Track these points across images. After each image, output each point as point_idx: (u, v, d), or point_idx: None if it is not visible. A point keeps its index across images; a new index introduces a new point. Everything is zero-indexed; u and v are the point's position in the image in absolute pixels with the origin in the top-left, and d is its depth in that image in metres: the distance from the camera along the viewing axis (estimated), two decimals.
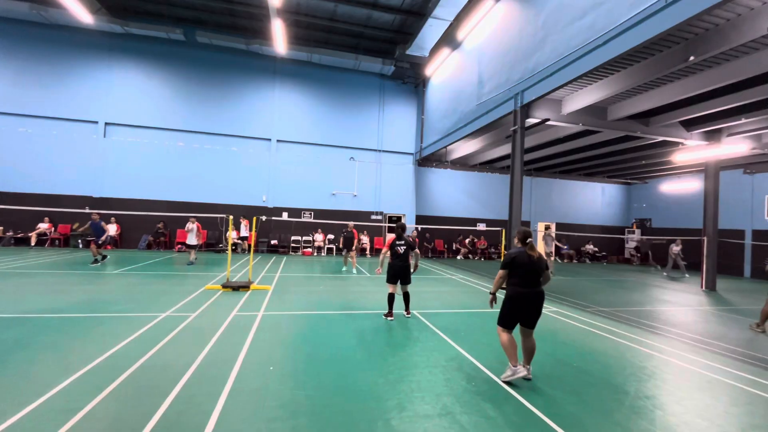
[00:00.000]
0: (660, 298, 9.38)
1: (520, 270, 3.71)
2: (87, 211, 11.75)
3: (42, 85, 14.50)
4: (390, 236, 5.97)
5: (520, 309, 3.70)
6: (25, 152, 14.28)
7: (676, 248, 14.26)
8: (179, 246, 14.97)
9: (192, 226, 11.10)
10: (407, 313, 6.17)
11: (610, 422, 3.04)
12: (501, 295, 3.95)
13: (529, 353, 3.83)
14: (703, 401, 3.52)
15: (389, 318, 5.92)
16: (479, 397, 3.35)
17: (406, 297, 6.16)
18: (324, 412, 2.97)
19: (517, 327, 3.80)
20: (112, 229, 14.49)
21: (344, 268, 11.60)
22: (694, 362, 4.61)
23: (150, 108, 15.45)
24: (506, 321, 3.75)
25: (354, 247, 11.60)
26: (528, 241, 3.82)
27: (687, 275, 14.31)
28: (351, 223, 11.93)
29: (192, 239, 11.13)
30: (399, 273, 5.92)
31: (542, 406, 3.23)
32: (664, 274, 14.63)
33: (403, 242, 5.95)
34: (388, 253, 6.01)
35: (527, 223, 19.79)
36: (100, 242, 10.31)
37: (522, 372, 3.65)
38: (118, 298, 6.48)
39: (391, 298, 5.97)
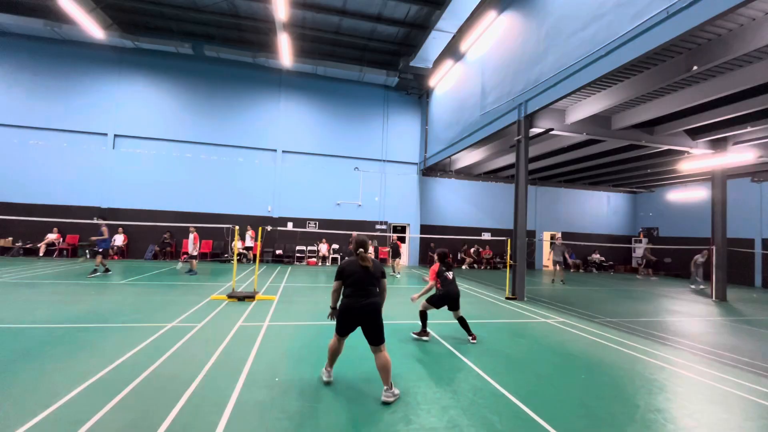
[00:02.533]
0: (670, 309, 9.24)
1: (350, 280, 3.55)
2: (95, 221, 11.85)
3: (53, 98, 14.85)
4: (435, 264, 5.64)
5: (350, 321, 3.54)
6: (35, 164, 14.55)
7: (701, 259, 13.26)
8: (184, 256, 15.03)
9: (191, 235, 11.19)
10: (473, 339, 5.42)
11: None
12: None
13: (382, 372, 3.43)
14: (716, 415, 3.45)
15: (425, 338, 5.46)
16: (486, 410, 3.31)
17: (464, 322, 5.53)
18: (330, 425, 2.95)
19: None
20: (119, 240, 14.65)
21: None
22: (706, 374, 4.52)
23: (158, 120, 15.72)
24: (338, 328, 3.63)
25: None
26: (359, 251, 3.62)
27: (703, 286, 13.46)
28: (355, 233, 12.01)
29: (190, 249, 11.23)
30: (451, 298, 5.41)
31: (551, 419, 3.17)
32: (692, 287, 13.58)
33: (446, 268, 5.48)
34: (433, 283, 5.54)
35: (532, 233, 19.70)
36: (100, 250, 10.16)
37: (326, 376, 3.71)
38: (124, 308, 6.52)
39: (424, 314, 5.55)
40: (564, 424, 3.11)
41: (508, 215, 19.12)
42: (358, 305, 3.48)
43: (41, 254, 13.82)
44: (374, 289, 3.58)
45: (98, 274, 10.05)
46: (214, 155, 16.23)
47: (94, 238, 10.36)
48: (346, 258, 3.64)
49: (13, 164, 14.36)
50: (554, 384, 3.99)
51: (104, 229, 10.24)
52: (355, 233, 12.37)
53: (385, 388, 3.41)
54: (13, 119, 14.47)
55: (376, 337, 3.48)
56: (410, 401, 3.41)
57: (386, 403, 3.33)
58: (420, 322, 5.53)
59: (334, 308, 3.72)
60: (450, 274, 5.49)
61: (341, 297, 3.64)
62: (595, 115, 9.99)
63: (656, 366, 4.75)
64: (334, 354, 3.72)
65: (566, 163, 15.84)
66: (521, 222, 9.47)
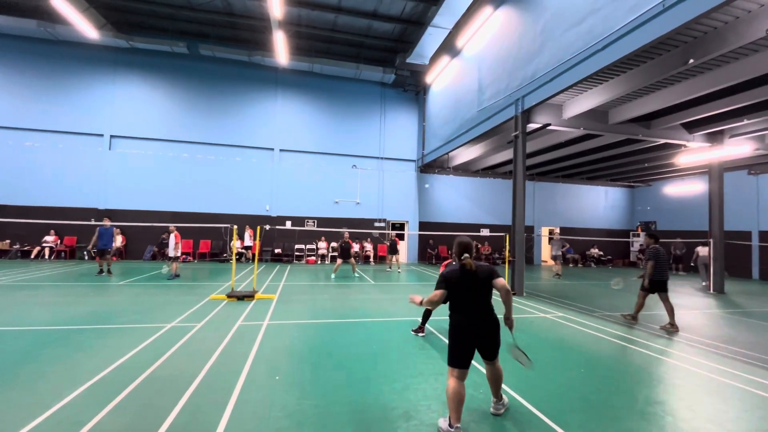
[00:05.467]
0: None
1: (458, 293, 2.98)
2: (93, 223, 11.84)
3: (48, 99, 14.75)
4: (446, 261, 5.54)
5: (467, 340, 2.93)
6: (31, 166, 14.47)
7: (704, 250, 12.28)
8: (183, 256, 15.02)
9: (171, 235, 10.27)
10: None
11: (620, 429, 3.00)
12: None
13: (493, 383, 3.16)
14: (713, 406, 3.47)
15: (421, 334, 5.51)
16: (486, 405, 3.32)
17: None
18: (330, 422, 2.96)
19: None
20: (117, 241, 14.59)
21: (333, 276, 11.67)
22: (704, 366, 4.55)
23: (154, 120, 15.65)
24: (453, 358, 2.93)
25: (351, 256, 11.81)
26: (464, 257, 3.00)
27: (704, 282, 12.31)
28: (346, 233, 12.06)
29: (171, 250, 10.29)
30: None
31: (550, 413, 3.19)
32: (704, 284, 12.35)
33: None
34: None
35: (531, 228, 19.74)
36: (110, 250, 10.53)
37: None
38: (123, 309, 6.50)
39: (427, 312, 5.56)
40: (564, 418, 3.13)
41: (506, 211, 19.11)
42: (475, 323, 2.95)
43: (40, 256, 13.77)
44: (488, 299, 3.02)
45: (103, 274, 10.38)
46: (211, 155, 16.18)
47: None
48: (449, 266, 3.09)
49: (9, 166, 14.28)
50: (554, 378, 4.01)
51: (107, 225, 10.50)
52: (346, 232, 12.42)
53: (494, 400, 3.20)
54: (7, 121, 14.38)
55: (492, 354, 3.07)
56: (410, 397, 3.42)
57: (496, 415, 3.14)
58: (421, 319, 5.60)
59: (421, 303, 3.17)
60: None
61: (449, 312, 3.07)
62: (592, 109, 10.00)
63: (655, 359, 4.77)
64: (455, 401, 2.79)
65: (564, 158, 15.85)
66: (519, 217, 9.48)
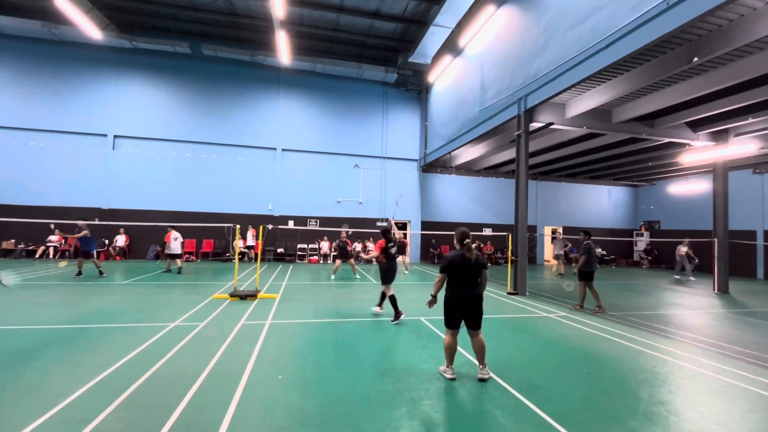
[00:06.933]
0: (672, 302, 9.23)
1: (457, 273, 3.79)
2: (96, 222, 11.88)
3: (52, 100, 14.84)
4: (381, 240, 6.08)
5: (459, 310, 3.82)
6: (35, 166, 14.57)
7: (683, 249, 13.81)
8: (186, 255, 15.08)
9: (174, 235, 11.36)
10: (394, 319, 6.17)
11: (623, 429, 2.99)
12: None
13: (479, 353, 3.89)
14: (718, 406, 3.45)
15: (401, 317, 6.20)
16: (489, 404, 3.31)
17: (393, 300, 6.22)
18: (333, 421, 2.96)
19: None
20: (120, 240, 14.68)
21: (332, 277, 11.48)
22: (708, 366, 4.52)
23: (158, 120, 15.71)
24: (448, 321, 3.88)
25: (351, 256, 11.80)
26: (465, 242, 3.83)
27: (693, 278, 13.81)
28: (344, 232, 11.99)
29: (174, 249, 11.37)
30: (393, 272, 6.34)
31: (554, 413, 3.18)
32: (676, 277, 14.16)
33: (392, 244, 6.39)
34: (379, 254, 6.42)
35: (533, 228, 19.68)
36: (91, 252, 10.08)
37: (450, 374, 3.87)
38: (127, 308, 6.53)
39: (392, 298, 6.24)
40: (567, 418, 3.11)
41: (509, 210, 19.09)
42: (465, 295, 3.79)
43: (44, 256, 13.85)
44: (477, 280, 3.84)
45: (82, 275, 9.77)
46: (213, 154, 16.23)
47: (72, 236, 10.16)
48: (451, 251, 3.90)
49: (14, 166, 14.38)
50: (557, 378, 4.00)
51: (83, 228, 9.70)
52: (344, 231, 12.41)
53: (480, 367, 3.86)
54: (12, 121, 14.48)
55: (476, 323, 3.84)
56: (413, 396, 3.42)
57: (483, 380, 3.77)
58: (393, 307, 6.17)
59: (434, 297, 3.96)
60: (393, 250, 6.33)
61: (446, 287, 3.90)
62: (596, 108, 9.95)
63: (659, 359, 4.75)
64: (449, 351, 3.90)
65: (567, 158, 15.79)
66: (522, 217, 9.46)
